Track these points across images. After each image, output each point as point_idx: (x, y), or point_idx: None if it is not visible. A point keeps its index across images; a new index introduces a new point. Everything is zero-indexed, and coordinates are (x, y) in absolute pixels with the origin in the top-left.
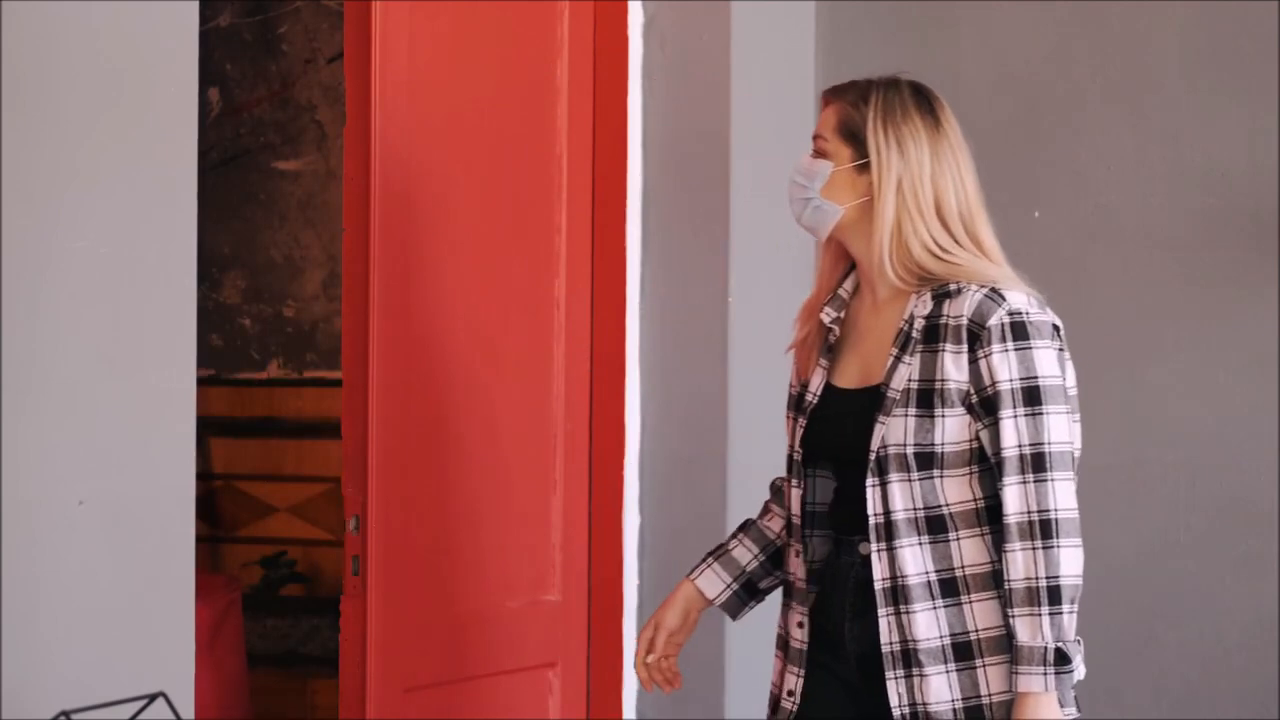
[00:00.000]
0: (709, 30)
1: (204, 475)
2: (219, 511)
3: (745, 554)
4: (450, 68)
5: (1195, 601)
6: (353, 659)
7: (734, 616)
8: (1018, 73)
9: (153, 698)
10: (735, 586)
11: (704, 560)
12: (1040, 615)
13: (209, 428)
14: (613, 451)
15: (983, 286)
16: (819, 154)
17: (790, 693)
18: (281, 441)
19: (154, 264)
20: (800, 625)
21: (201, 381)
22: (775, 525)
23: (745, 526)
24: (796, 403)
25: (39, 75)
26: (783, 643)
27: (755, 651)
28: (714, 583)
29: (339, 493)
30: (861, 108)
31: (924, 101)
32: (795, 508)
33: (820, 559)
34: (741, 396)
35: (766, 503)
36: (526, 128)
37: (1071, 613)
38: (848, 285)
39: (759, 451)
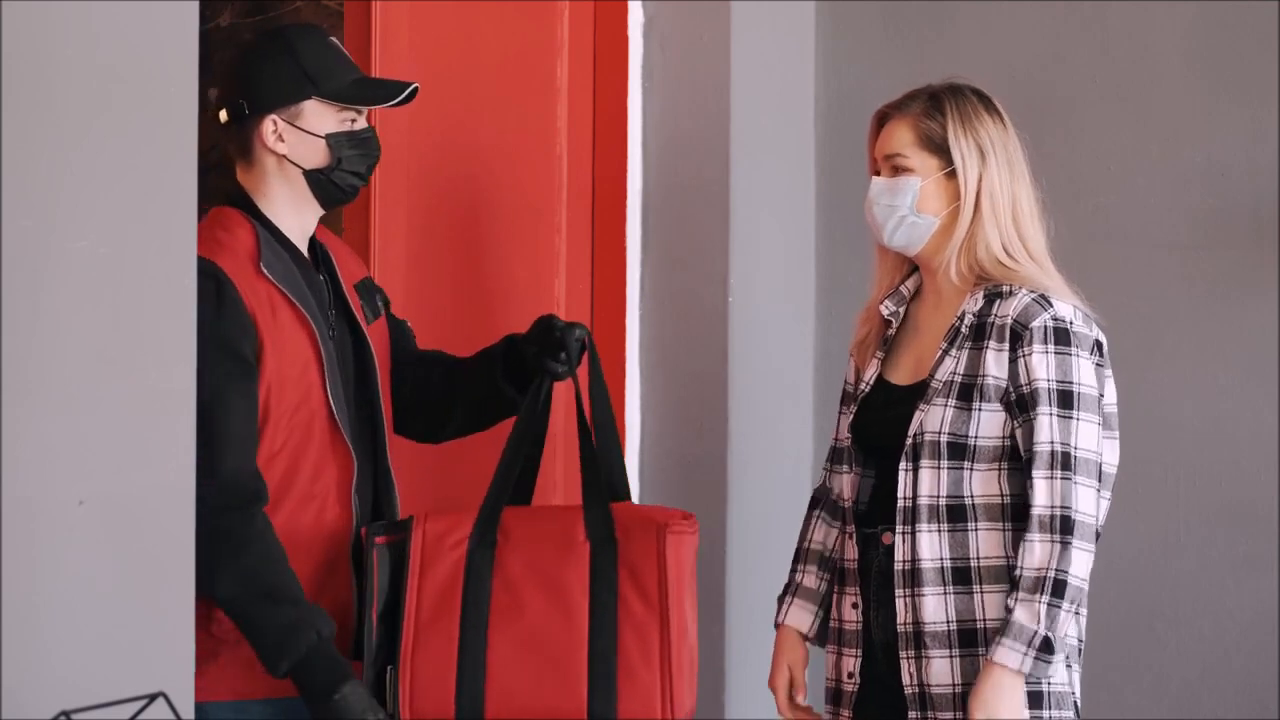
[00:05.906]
0: (709, 30)
1: None
2: None
3: (814, 579)
4: (450, 68)
5: (1195, 601)
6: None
7: (823, 643)
8: (1018, 73)
9: (153, 698)
10: (821, 612)
11: (783, 601)
12: (1041, 603)
13: None
14: None
15: (1033, 291)
16: (899, 171)
17: (850, 675)
18: None
19: (154, 264)
20: (855, 606)
21: None
22: (824, 538)
23: (802, 556)
24: (851, 395)
25: (39, 75)
26: (836, 636)
27: (755, 651)
28: (803, 617)
29: None
30: (937, 117)
31: (989, 104)
32: (847, 493)
33: (851, 555)
34: (742, 397)
35: (807, 518)
36: (526, 128)
37: (1069, 611)
38: (909, 284)
39: (759, 451)
